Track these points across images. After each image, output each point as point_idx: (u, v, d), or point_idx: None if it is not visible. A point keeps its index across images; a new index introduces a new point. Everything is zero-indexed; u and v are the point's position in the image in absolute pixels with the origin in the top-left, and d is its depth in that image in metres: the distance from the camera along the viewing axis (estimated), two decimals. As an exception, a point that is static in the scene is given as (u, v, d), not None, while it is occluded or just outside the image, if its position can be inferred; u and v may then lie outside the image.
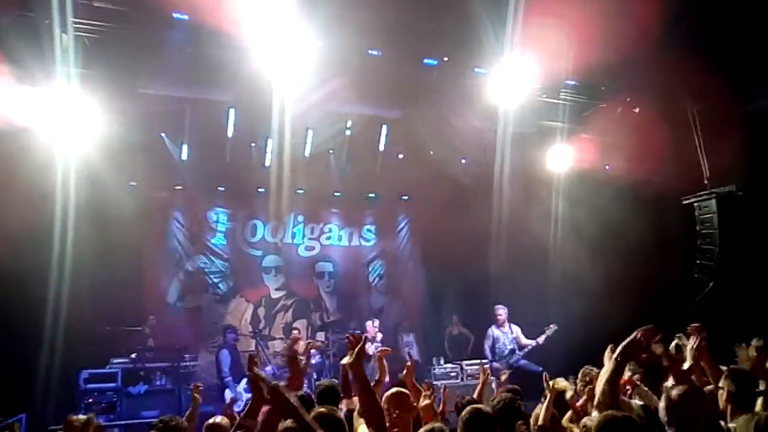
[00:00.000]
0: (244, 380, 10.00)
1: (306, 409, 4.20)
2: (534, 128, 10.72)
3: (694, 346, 4.36)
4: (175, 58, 8.18)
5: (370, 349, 10.54)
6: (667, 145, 9.73)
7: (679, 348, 4.90)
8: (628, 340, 3.64)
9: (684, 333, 4.52)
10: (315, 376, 10.20)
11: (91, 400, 9.02)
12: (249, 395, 9.39)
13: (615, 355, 3.59)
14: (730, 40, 8.23)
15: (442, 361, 11.31)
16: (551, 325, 10.45)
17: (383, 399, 4.15)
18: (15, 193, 8.29)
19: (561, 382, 5.25)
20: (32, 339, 8.98)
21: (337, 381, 5.48)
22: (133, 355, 10.14)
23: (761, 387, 4.00)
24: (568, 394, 5.00)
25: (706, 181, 9.52)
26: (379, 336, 11.05)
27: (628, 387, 4.36)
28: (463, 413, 3.66)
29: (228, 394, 9.77)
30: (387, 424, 3.64)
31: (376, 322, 11.28)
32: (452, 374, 10.94)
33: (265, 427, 2.94)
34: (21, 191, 8.49)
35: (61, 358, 9.15)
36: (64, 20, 7.23)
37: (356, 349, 3.62)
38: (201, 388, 5.51)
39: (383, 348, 5.03)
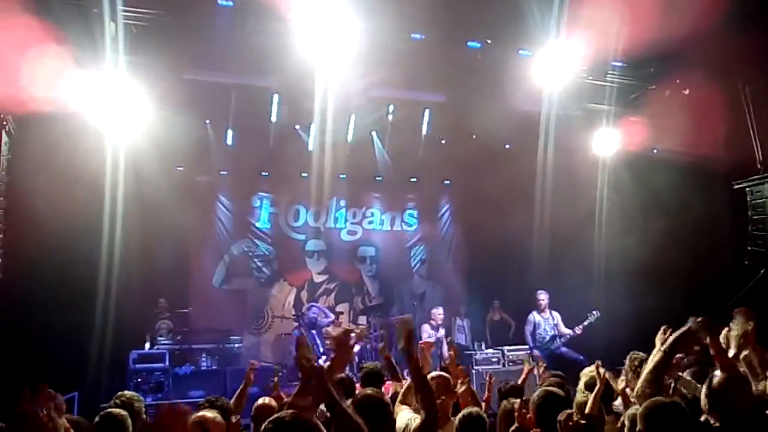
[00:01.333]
0: (323, 358, 10.14)
1: (347, 391, 4.26)
2: (580, 111, 10.54)
3: (741, 333, 4.24)
4: (220, 45, 8.28)
5: (433, 336, 10.63)
6: (718, 128, 9.44)
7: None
8: (680, 331, 3.54)
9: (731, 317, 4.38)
10: (356, 360, 10.26)
11: (139, 380, 9.29)
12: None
13: (664, 347, 3.51)
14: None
15: (483, 347, 11.28)
16: (593, 312, 10.29)
17: None
18: (66, 176, 8.51)
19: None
20: (84, 320, 9.24)
21: (380, 364, 5.51)
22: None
23: None
24: (620, 385, 4.91)
25: (759, 165, 9.21)
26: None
27: (671, 379, 4.27)
28: (535, 396, 3.64)
29: None
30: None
31: (440, 309, 11.27)
32: (493, 360, 10.88)
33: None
34: (72, 175, 8.73)
35: (111, 339, 9.41)
36: (113, 8, 7.37)
37: (405, 335, 3.57)
38: (256, 368, 5.54)
39: (426, 341, 5.01)
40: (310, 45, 8.04)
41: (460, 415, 3.90)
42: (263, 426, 2.45)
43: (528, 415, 3.66)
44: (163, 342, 10.53)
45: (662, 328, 4.21)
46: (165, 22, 7.95)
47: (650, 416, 3.02)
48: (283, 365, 10.51)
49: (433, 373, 4.43)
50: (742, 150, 9.25)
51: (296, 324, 11.46)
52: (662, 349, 3.52)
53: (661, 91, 10.09)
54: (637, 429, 3.08)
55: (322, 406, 3.89)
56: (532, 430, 3.60)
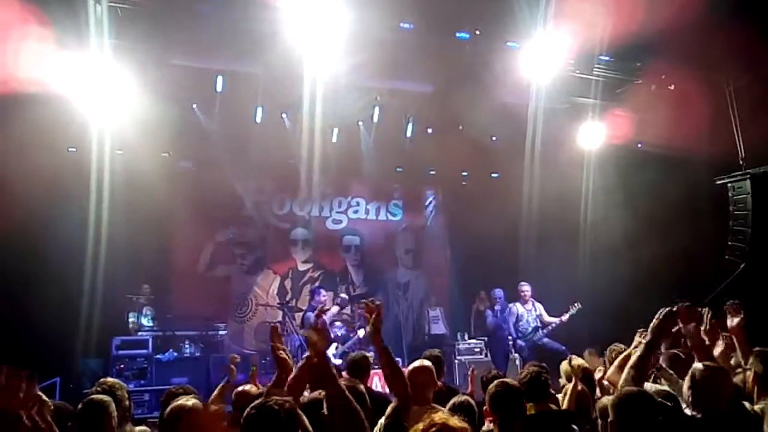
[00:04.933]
0: (333, 345, 10.05)
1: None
2: (566, 104, 10.60)
3: (734, 325, 4.31)
4: (207, 30, 8.20)
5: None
6: (701, 124, 9.54)
7: None
8: (655, 321, 3.60)
9: (722, 310, 4.46)
10: (340, 349, 10.24)
11: (122, 366, 9.26)
12: (337, 360, 9.49)
13: (645, 339, 3.56)
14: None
15: (466, 337, 11.35)
16: (575, 304, 10.37)
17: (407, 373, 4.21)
18: (50, 159, 8.44)
19: (576, 360, 5.21)
20: (67, 305, 9.20)
21: (368, 353, 5.55)
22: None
23: None
24: (597, 375, 4.98)
25: (741, 161, 9.33)
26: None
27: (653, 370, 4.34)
28: (490, 387, 3.69)
29: None
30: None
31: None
32: (476, 350, 10.98)
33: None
34: (56, 158, 8.66)
35: (94, 325, 9.38)
36: (98, -9, 7.29)
37: (372, 320, 3.60)
38: (238, 360, 5.53)
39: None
40: (298, 32, 7.99)
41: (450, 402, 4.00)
42: (246, 412, 2.48)
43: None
44: (145, 328, 10.49)
45: (638, 331, 4.28)
46: (151, 5, 7.87)
47: (620, 405, 3.09)
48: (266, 354, 10.49)
49: (417, 363, 4.45)
50: (724, 146, 9.36)
51: (281, 312, 11.44)
52: (644, 341, 3.57)
53: (646, 85, 10.16)
54: (609, 419, 3.14)
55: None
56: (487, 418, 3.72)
